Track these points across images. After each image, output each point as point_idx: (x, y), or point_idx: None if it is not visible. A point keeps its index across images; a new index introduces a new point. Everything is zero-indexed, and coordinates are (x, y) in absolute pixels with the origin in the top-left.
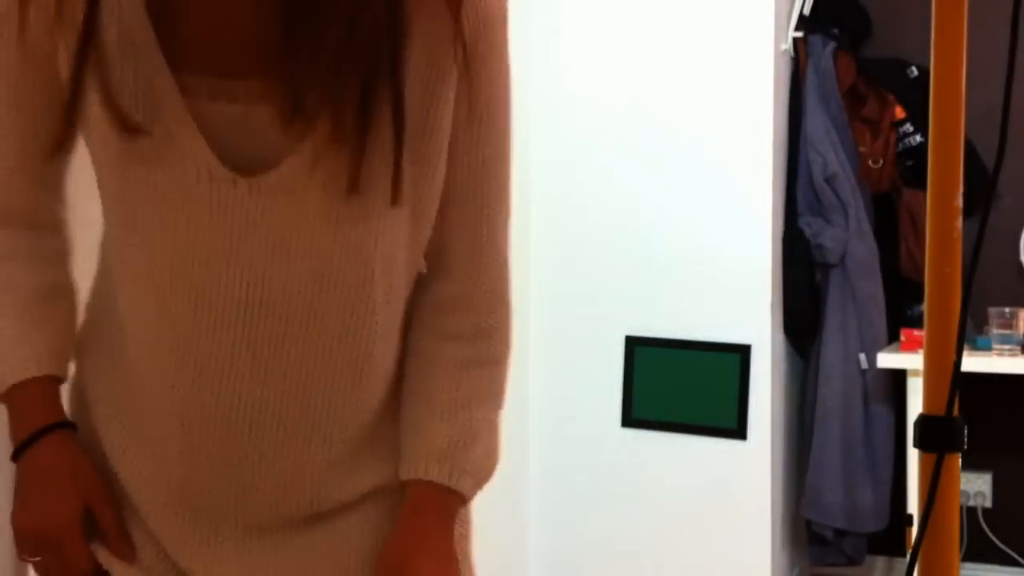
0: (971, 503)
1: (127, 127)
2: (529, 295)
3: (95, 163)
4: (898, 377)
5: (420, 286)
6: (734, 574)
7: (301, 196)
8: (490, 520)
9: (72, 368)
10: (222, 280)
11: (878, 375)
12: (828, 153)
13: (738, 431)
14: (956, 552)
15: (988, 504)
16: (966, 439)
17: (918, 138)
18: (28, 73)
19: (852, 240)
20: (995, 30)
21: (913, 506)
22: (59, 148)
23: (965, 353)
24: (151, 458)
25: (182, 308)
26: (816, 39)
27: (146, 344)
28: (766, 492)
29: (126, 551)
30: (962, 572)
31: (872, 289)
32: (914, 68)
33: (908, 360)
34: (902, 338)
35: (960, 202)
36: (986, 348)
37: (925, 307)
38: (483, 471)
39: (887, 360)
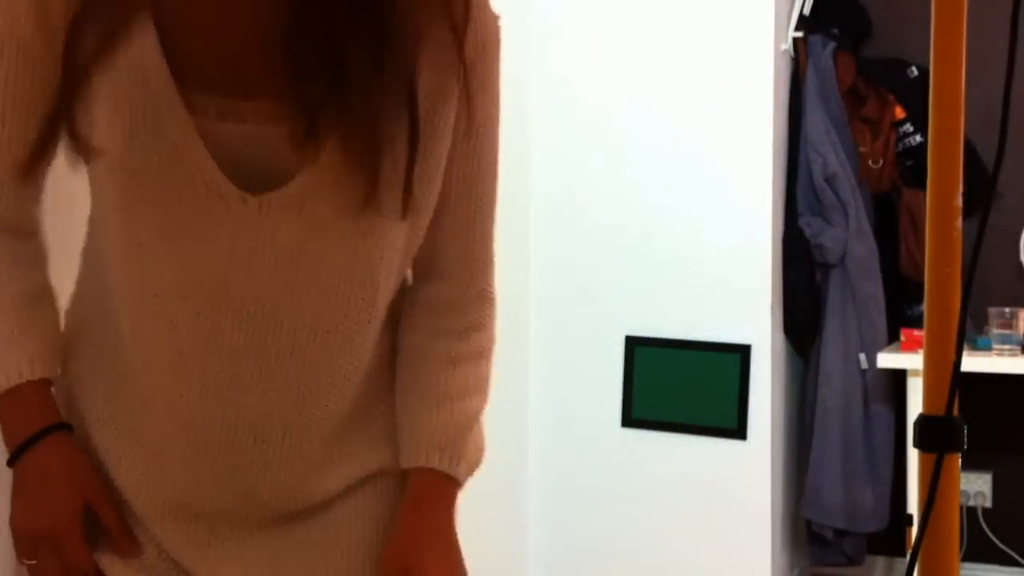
0: (971, 503)
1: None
2: (529, 295)
3: (95, 177)
4: (898, 377)
5: (411, 288)
6: (734, 574)
7: (310, 213)
8: (490, 520)
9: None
10: (232, 295)
11: (878, 375)
12: (828, 153)
13: (738, 431)
14: (956, 552)
15: (988, 504)
16: (966, 439)
17: (918, 138)
18: (24, 88)
19: (852, 240)
20: (995, 30)
21: (913, 506)
22: (45, 158)
23: (965, 353)
24: (151, 465)
25: (190, 322)
26: (816, 39)
27: (151, 355)
28: (766, 492)
29: (130, 547)
30: (962, 572)
31: (872, 289)
32: (914, 68)
33: (908, 360)
34: (902, 338)
35: (960, 202)
36: (986, 348)
37: (925, 307)
38: (475, 458)
39: (887, 360)
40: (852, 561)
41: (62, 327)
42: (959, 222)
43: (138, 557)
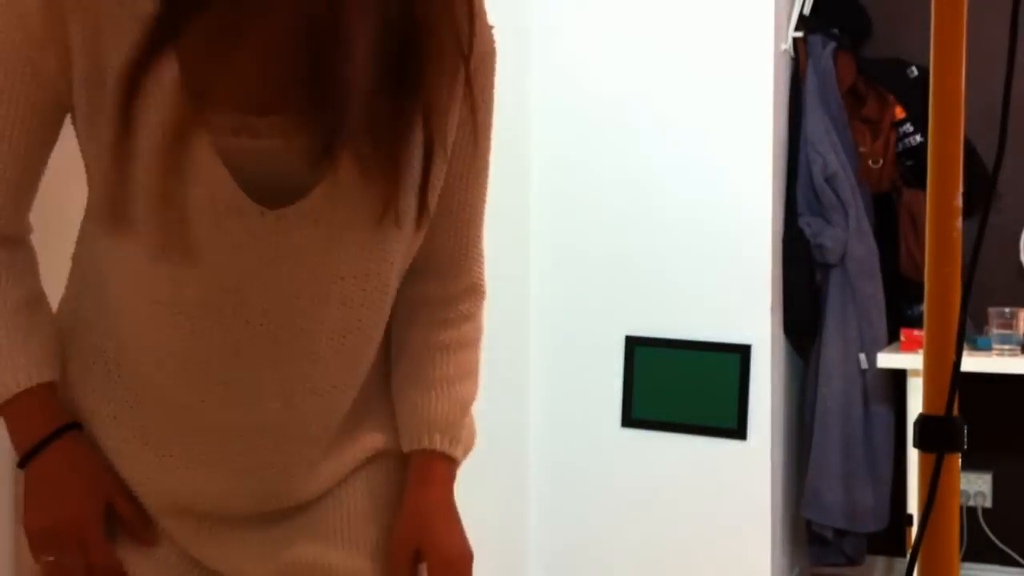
0: (971, 503)
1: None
2: (529, 295)
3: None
4: (898, 377)
5: (405, 283)
6: (734, 574)
7: (327, 225)
8: (490, 520)
9: None
10: (252, 306)
11: (878, 375)
12: (828, 153)
13: (738, 431)
14: (956, 552)
15: (988, 504)
16: (966, 439)
17: (918, 138)
18: (30, 110)
19: (852, 240)
20: (995, 30)
21: (913, 506)
22: (41, 173)
23: (965, 353)
24: (160, 466)
25: (211, 333)
26: (816, 39)
27: (170, 364)
28: (766, 492)
29: (150, 538)
30: (962, 572)
31: (872, 289)
32: (914, 68)
33: (908, 360)
34: (902, 338)
35: (960, 202)
36: (986, 348)
37: (925, 307)
38: (470, 440)
39: (887, 360)
40: (852, 561)
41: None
42: (959, 222)
43: (154, 548)
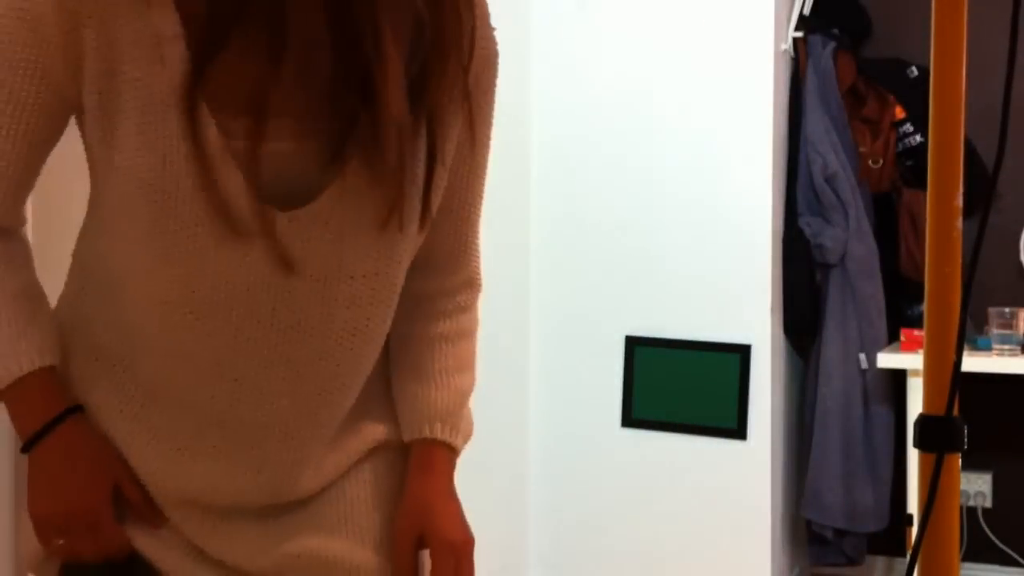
0: (971, 503)
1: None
2: (529, 295)
3: (115, 193)
4: (898, 377)
5: (405, 278)
6: (734, 574)
7: (337, 227)
8: (490, 520)
9: None
10: (264, 307)
11: (878, 375)
12: (828, 153)
13: (738, 431)
14: (956, 552)
15: (988, 504)
16: (966, 439)
17: (918, 138)
18: (36, 113)
19: (852, 240)
20: (995, 30)
21: (913, 506)
22: (39, 170)
23: (965, 353)
24: (168, 458)
25: (220, 332)
26: (816, 39)
27: (182, 362)
28: (766, 492)
29: (156, 519)
30: (962, 572)
31: (872, 289)
32: (914, 68)
33: (908, 360)
34: (902, 338)
35: (960, 202)
36: (986, 348)
37: (925, 307)
38: (469, 429)
39: (887, 360)
40: (852, 561)
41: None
42: (959, 222)
43: (161, 530)
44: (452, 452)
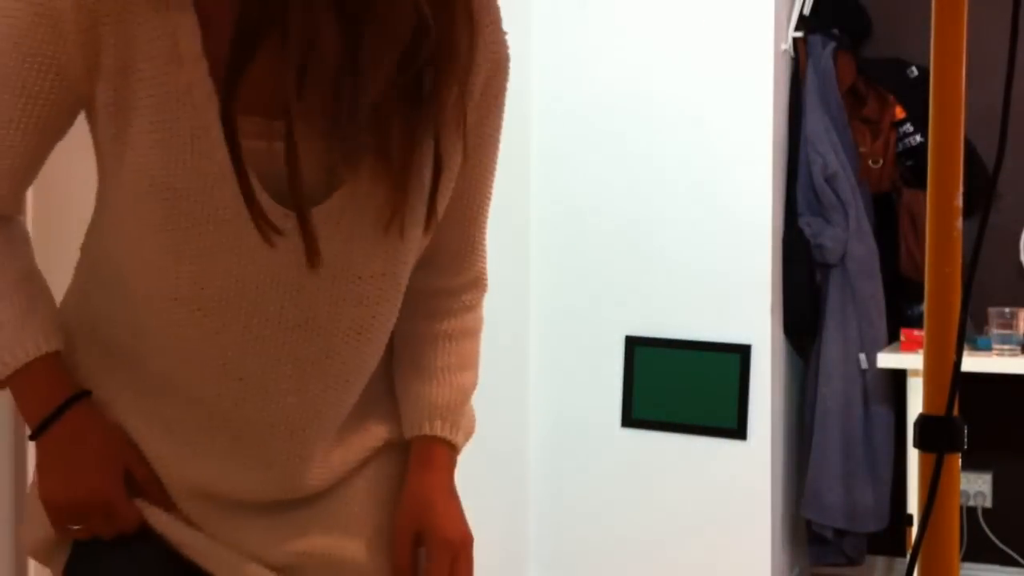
0: (971, 503)
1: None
2: (529, 295)
3: (124, 190)
4: (898, 377)
5: (411, 276)
6: (734, 574)
7: (347, 228)
8: (490, 520)
9: None
10: (273, 305)
11: (878, 375)
12: (828, 153)
13: (738, 431)
14: (956, 552)
15: (988, 504)
16: (966, 439)
17: (918, 138)
18: (47, 107)
19: (852, 240)
20: (995, 30)
21: (913, 506)
22: (44, 160)
23: (965, 353)
24: (179, 455)
25: (229, 330)
26: (816, 39)
27: (190, 360)
28: (766, 492)
29: (167, 502)
30: (962, 572)
31: (872, 289)
32: (914, 68)
33: (908, 360)
34: (902, 338)
35: (960, 202)
36: (986, 348)
37: (925, 307)
38: (470, 427)
39: (887, 360)
40: (852, 561)
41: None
42: (959, 222)
43: (172, 509)
44: (452, 450)
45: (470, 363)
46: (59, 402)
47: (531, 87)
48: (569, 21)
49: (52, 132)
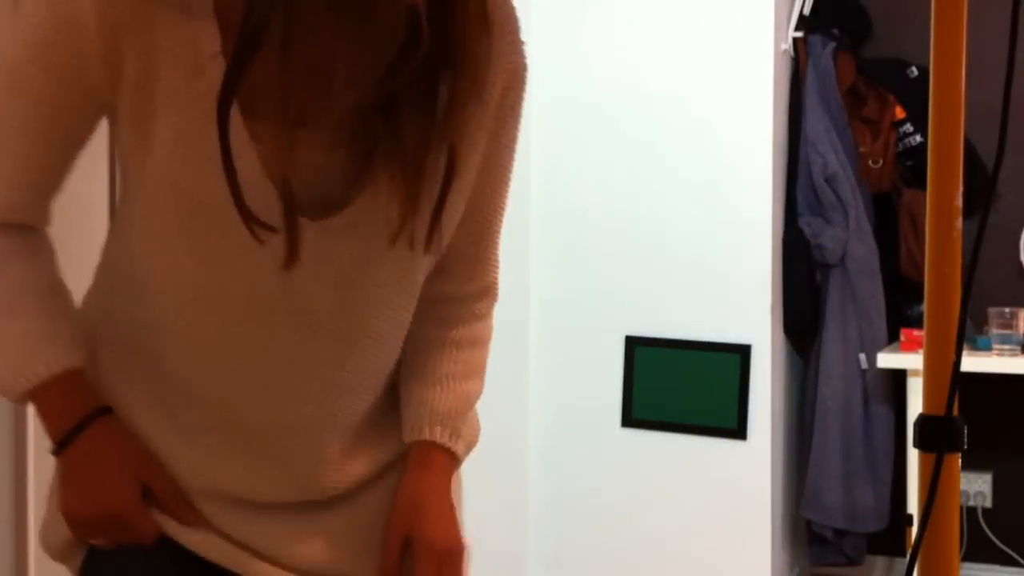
0: (971, 503)
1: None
2: (529, 295)
3: (144, 195)
4: (898, 377)
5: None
6: (734, 574)
7: (365, 236)
8: (490, 520)
9: None
10: (293, 312)
11: (878, 375)
12: (828, 153)
13: (738, 431)
14: (956, 552)
15: (988, 504)
16: (966, 439)
17: (918, 138)
18: (69, 114)
19: (852, 240)
20: (995, 30)
21: (913, 506)
22: (70, 168)
23: (965, 353)
24: (200, 459)
25: (252, 337)
26: (816, 39)
27: (210, 365)
28: (766, 492)
29: (189, 516)
30: (962, 572)
31: (872, 289)
32: (914, 68)
33: (908, 360)
34: (902, 338)
35: (960, 202)
36: (986, 348)
37: (925, 307)
38: (472, 437)
39: (887, 360)
40: (852, 561)
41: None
42: (959, 222)
43: (196, 524)
44: (451, 456)
45: (476, 372)
46: (80, 419)
47: (531, 87)
48: (569, 21)
49: (75, 141)
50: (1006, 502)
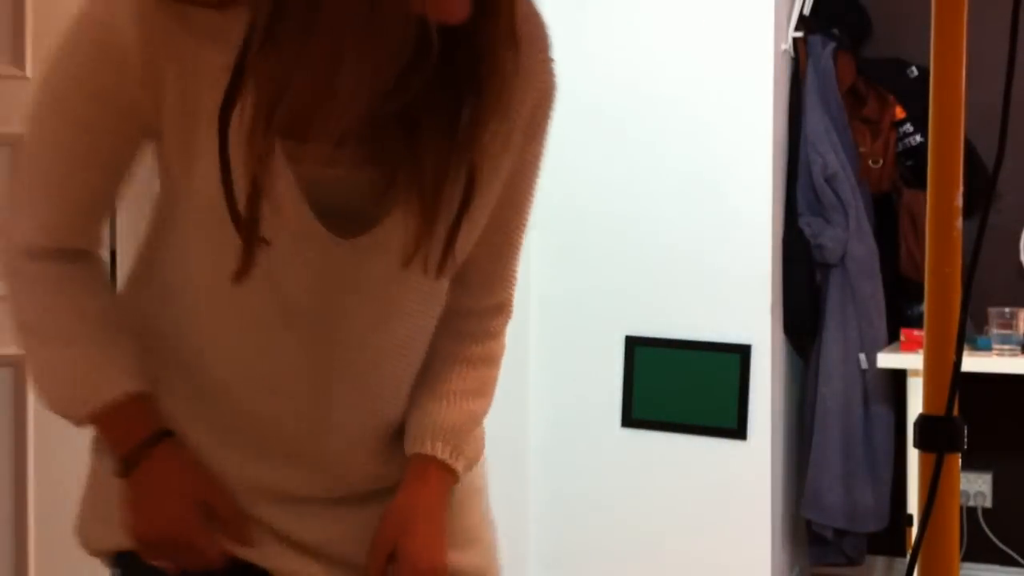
0: (971, 503)
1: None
2: (529, 294)
3: (182, 213)
4: (898, 377)
5: None
6: (734, 574)
7: (395, 255)
8: None
9: None
10: (326, 327)
11: (878, 375)
12: (828, 153)
13: (738, 431)
14: (956, 552)
15: (988, 504)
16: (966, 439)
17: (918, 138)
18: (117, 141)
19: (852, 240)
20: (995, 30)
21: (913, 506)
22: (119, 192)
23: (965, 353)
24: (240, 461)
25: (285, 350)
26: (816, 39)
27: (240, 375)
28: (766, 492)
29: (249, 535)
30: (962, 572)
31: (872, 289)
32: (914, 68)
33: (908, 360)
34: (902, 338)
35: (960, 202)
36: (986, 348)
37: (925, 307)
38: (474, 455)
39: (887, 360)
40: (852, 561)
41: None
42: (959, 222)
43: (255, 544)
44: (449, 473)
45: (485, 390)
46: (142, 442)
47: None
48: (569, 21)
49: (121, 165)
50: (1006, 502)
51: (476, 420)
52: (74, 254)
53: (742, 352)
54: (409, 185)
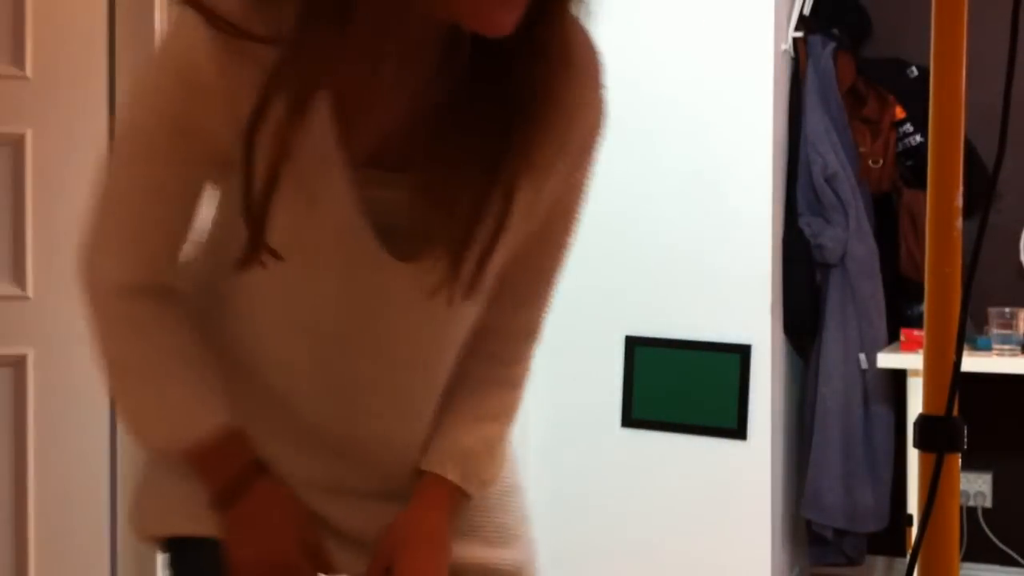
0: (971, 503)
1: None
2: None
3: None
4: (898, 377)
5: None
6: (734, 574)
7: (427, 281)
8: None
9: None
10: (378, 342)
11: (878, 375)
12: (828, 153)
13: (738, 431)
14: (956, 552)
15: (988, 504)
16: (966, 439)
17: (918, 138)
18: (197, 175)
19: (852, 240)
20: (995, 30)
21: (913, 506)
22: (195, 220)
23: (965, 353)
24: (291, 455)
25: (337, 361)
26: (816, 39)
27: (292, 382)
28: (766, 492)
29: (329, 564)
30: (962, 572)
31: (872, 289)
32: (914, 68)
33: (908, 360)
34: (902, 338)
35: (960, 202)
36: (986, 348)
37: (925, 307)
38: (489, 478)
39: (887, 360)
40: (852, 561)
41: None
42: (959, 222)
43: (335, 572)
44: (460, 495)
45: (506, 415)
46: (238, 476)
47: None
48: None
49: (198, 199)
50: (1006, 502)
51: (492, 445)
52: (158, 289)
53: (742, 352)
54: (444, 222)
